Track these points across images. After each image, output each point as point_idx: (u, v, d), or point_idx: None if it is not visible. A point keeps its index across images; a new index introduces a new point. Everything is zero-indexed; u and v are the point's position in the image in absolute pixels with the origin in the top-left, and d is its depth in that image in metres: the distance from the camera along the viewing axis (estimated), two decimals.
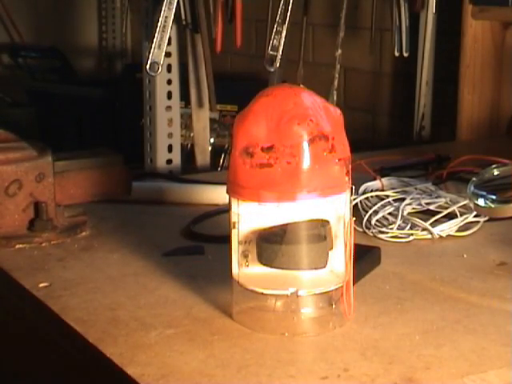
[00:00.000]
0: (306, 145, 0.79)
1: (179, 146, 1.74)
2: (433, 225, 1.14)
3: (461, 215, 1.17)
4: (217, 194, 1.27)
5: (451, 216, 1.18)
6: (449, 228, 1.15)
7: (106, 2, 3.41)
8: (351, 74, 2.34)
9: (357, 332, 0.84)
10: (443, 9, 1.90)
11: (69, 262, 1.06)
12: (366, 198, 1.24)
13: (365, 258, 1.00)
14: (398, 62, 2.15)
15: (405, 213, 1.18)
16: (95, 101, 2.64)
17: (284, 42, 1.64)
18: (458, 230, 1.16)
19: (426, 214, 1.20)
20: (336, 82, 1.89)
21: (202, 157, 1.80)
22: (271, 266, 0.82)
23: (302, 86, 0.93)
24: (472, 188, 1.09)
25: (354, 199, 1.21)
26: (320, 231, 0.82)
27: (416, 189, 1.29)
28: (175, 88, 1.71)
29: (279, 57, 1.64)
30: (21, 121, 2.78)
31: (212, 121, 1.96)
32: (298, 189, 0.80)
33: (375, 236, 1.15)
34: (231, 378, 0.76)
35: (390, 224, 1.16)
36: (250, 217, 0.82)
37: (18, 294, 0.99)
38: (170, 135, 1.72)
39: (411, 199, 1.22)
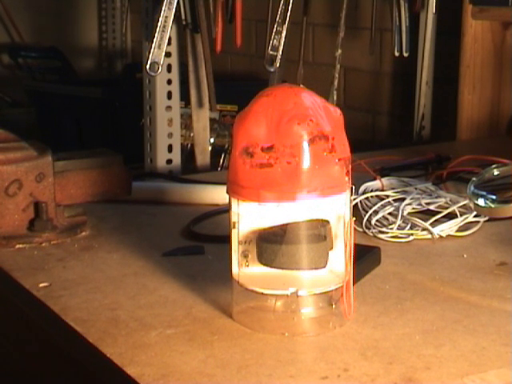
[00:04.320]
0: (305, 145, 0.79)
1: (179, 145, 1.74)
2: (433, 225, 1.14)
3: (461, 215, 1.17)
4: (217, 194, 1.27)
5: (451, 216, 1.18)
6: (449, 228, 1.15)
7: (106, 2, 3.41)
8: (351, 74, 2.34)
9: (357, 332, 0.84)
10: (443, 9, 1.90)
11: (69, 262, 1.06)
12: (366, 198, 1.24)
13: (365, 257, 1.00)
14: (397, 62, 2.15)
15: (405, 213, 1.18)
16: (95, 101, 2.63)
17: (284, 42, 1.64)
18: (458, 230, 1.16)
19: (426, 213, 1.19)
20: (336, 82, 1.89)
21: (202, 157, 1.80)
22: (271, 266, 0.82)
23: (302, 86, 0.93)
24: (472, 188, 1.09)
25: (354, 199, 1.21)
26: (320, 231, 0.82)
27: (416, 189, 1.29)
28: (175, 88, 1.71)
29: (279, 57, 1.63)
30: (21, 121, 2.78)
31: (212, 121, 1.96)
32: (298, 189, 0.80)
33: (375, 236, 1.15)
34: (231, 377, 0.76)
35: (390, 224, 1.16)
36: (250, 217, 0.82)
37: (17, 294, 0.99)
38: (170, 135, 1.72)
39: (411, 199, 1.23)
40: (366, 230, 1.16)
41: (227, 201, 0.84)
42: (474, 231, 1.17)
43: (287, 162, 0.79)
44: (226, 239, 0.85)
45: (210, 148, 1.84)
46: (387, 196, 1.24)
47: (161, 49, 1.55)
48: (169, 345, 0.82)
